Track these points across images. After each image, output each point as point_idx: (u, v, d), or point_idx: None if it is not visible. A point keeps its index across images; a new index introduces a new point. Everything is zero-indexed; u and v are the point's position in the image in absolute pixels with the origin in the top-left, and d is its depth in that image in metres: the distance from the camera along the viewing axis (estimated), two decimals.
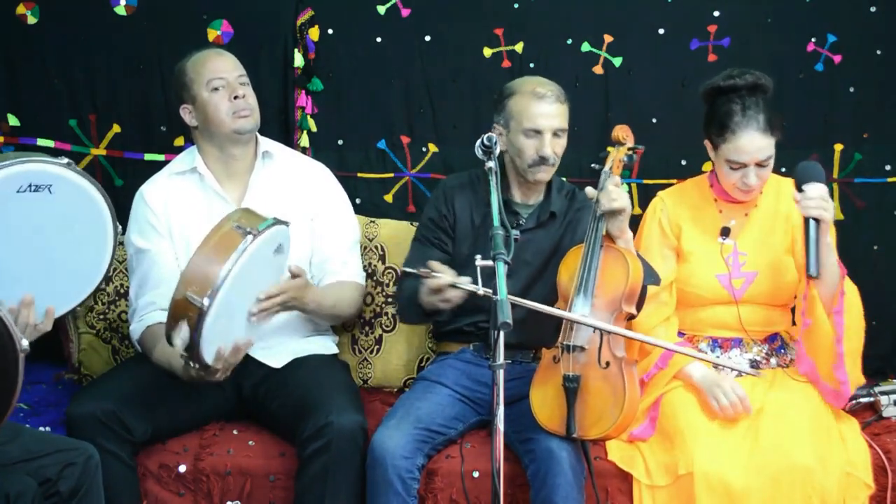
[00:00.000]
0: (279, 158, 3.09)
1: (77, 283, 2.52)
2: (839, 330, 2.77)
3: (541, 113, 2.91)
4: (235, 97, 2.94)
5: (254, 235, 2.47)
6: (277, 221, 2.58)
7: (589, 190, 2.82)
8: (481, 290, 2.56)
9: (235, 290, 2.45)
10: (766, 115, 2.83)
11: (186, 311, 2.40)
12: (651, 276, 2.82)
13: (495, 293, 2.25)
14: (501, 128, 2.98)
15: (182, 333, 2.42)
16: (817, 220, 2.68)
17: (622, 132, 2.91)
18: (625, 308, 2.72)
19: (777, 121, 2.86)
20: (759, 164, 2.84)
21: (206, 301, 2.38)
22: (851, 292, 2.82)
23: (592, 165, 2.88)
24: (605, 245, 2.77)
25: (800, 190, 2.70)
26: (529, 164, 2.93)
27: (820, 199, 2.68)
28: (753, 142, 2.81)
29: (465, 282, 2.66)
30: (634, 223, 3.17)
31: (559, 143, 2.94)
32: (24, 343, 2.13)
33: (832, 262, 2.73)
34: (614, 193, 2.74)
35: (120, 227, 2.56)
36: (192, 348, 2.44)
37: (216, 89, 2.94)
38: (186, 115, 3.01)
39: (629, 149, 2.88)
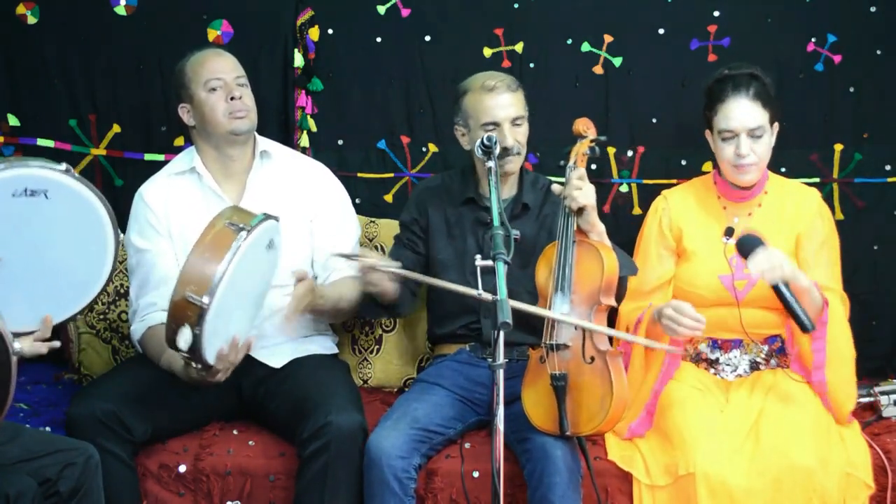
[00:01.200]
0: (277, 158, 3.09)
1: (76, 290, 2.50)
2: (818, 357, 2.81)
3: (494, 105, 2.92)
4: (232, 98, 2.94)
5: (247, 231, 2.48)
6: (267, 216, 2.58)
7: (556, 187, 2.81)
8: (395, 269, 2.75)
9: (233, 287, 2.45)
10: (757, 89, 2.89)
11: (186, 312, 2.40)
12: (628, 267, 2.82)
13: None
14: (462, 128, 3.01)
15: (185, 336, 2.42)
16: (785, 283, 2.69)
17: (582, 125, 2.90)
18: (603, 301, 2.72)
19: (771, 98, 2.91)
20: (752, 136, 2.87)
21: (206, 299, 2.39)
22: (835, 321, 2.82)
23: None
24: (578, 240, 2.76)
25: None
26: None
27: (770, 267, 2.66)
28: (741, 106, 2.86)
29: (389, 265, 2.76)
30: (635, 223, 3.19)
31: (520, 132, 2.95)
32: (17, 345, 2.12)
33: (812, 301, 2.75)
34: (576, 191, 2.73)
35: (122, 234, 2.54)
36: (195, 349, 2.44)
37: (213, 89, 2.94)
38: (184, 114, 3.01)
39: (591, 141, 2.87)
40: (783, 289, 2.68)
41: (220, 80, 2.95)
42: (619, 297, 2.80)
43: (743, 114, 2.87)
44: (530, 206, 3.05)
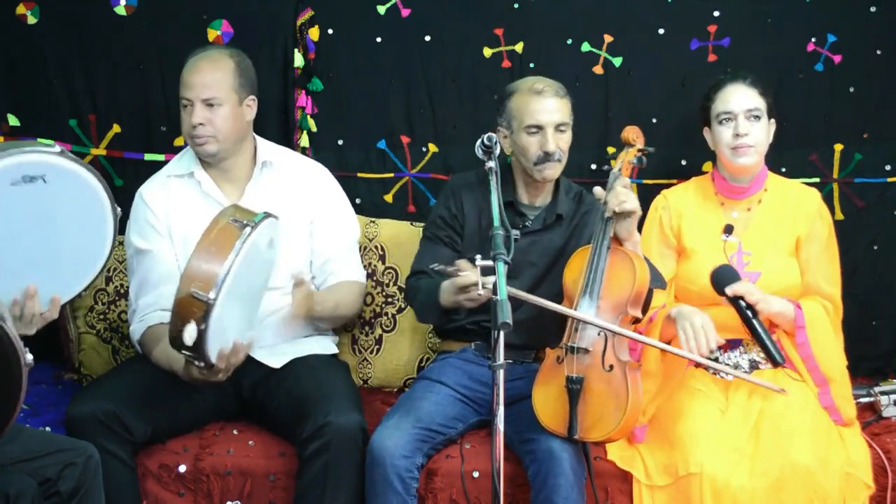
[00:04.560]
0: (279, 165, 3.06)
1: (79, 268, 2.50)
2: (816, 377, 2.84)
3: (540, 108, 2.90)
4: (193, 126, 2.91)
5: (251, 228, 2.47)
6: (268, 214, 2.58)
7: (597, 190, 2.80)
8: (525, 295, 2.65)
9: (236, 283, 2.45)
10: (755, 79, 2.97)
11: (191, 308, 2.40)
12: (657, 280, 2.81)
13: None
14: (505, 129, 2.97)
15: (190, 332, 2.42)
16: (754, 311, 2.75)
17: (633, 133, 2.91)
18: (630, 311, 2.71)
19: (769, 94, 2.97)
20: (750, 117, 2.92)
21: (212, 295, 2.38)
22: (817, 326, 2.85)
23: (602, 167, 2.85)
24: (612, 247, 2.75)
25: (724, 294, 2.76)
26: (535, 161, 2.91)
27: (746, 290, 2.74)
28: (739, 90, 2.95)
29: (491, 281, 2.53)
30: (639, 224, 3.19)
31: (563, 139, 2.93)
32: (29, 357, 2.12)
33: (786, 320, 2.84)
34: (623, 195, 2.73)
35: (119, 210, 2.54)
36: (200, 346, 2.44)
37: (185, 106, 2.93)
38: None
39: (639, 150, 2.88)
40: (755, 322, 2.74)
41: (188, 99, 2.91)
42: (644, 309, 2.78)
43: (741, 96, 2.94)
44: (564, 216, 3.02)
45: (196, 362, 2.52)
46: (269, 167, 3.05)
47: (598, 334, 2.69)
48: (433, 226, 3.05)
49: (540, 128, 2.89)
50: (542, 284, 2.98)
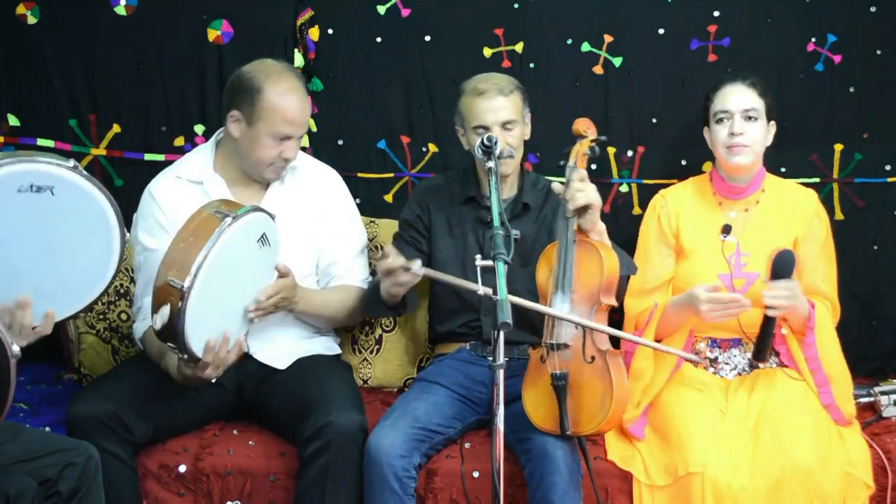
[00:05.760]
0: (300, 168, 3.04)
1: (80, 288, 2.49)
2: (819, 377, 2.84)
3: (484, 108, 2.92)
4: (284, 157, 2.87)
5: (232, 218, 2.48)
6: (257, 209, 2.57)
7: (556, 186, 2.80)
8: (422, 271, 2.68)
9: (218, 275, 2.44)
10: (754, 80, 2.97)
11: (169, 297, 2.41)
12: (627, 266, 2.83)
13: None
14: (461, 128, 3.03)
15: (162, 313, 2.42)
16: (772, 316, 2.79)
17: (583, 125, 2.89)
18: (604, 300, 2.71)
19: (768, 95, 2.97)
20: (746, 117, 2.93)
21: (186, 283, 2.39)
22: (822, 327, 2.86)
23: (560, 163, 2.84)
24: (579, 239, 2.75)
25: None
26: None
27: (788, 299, 2.76)
28: (737, 89, 2.96)
29: (416, 265, 2.70)
30: (635, 223, 3.19)
31: (512, 135, 2.95)
32: (16, 348, 2.11)
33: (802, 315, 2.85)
34: (581, 188, 2.73)
35: (128, 234, 2.53)
36: (177, 335, 2.44)
37: (280, 138, 2.84)
38: (231, 123, 2.88)
39: (591, 141, 2.87)
40: (771, 319, 2.77)
41: (287, 136, 2.84)
42: (619, 296, 2.80)
43: (738, 95, 2.95)
44: (531, 206, 3.05)
45: (179, 354, 2.51)
46: (293, 172, 3.02)
47: (576, 328, 2.70)
48: (400, 227, 3.15)
49: (486, 128, 2.91)
50: (513, 274, 2.96)
